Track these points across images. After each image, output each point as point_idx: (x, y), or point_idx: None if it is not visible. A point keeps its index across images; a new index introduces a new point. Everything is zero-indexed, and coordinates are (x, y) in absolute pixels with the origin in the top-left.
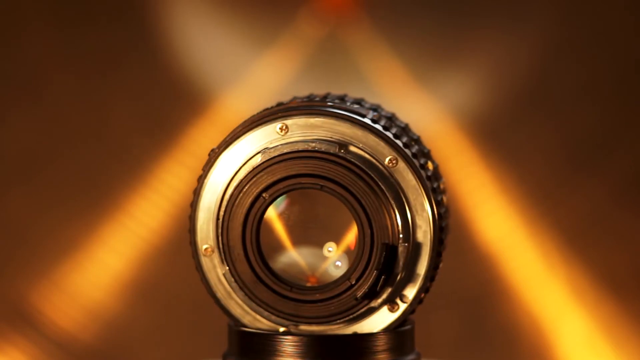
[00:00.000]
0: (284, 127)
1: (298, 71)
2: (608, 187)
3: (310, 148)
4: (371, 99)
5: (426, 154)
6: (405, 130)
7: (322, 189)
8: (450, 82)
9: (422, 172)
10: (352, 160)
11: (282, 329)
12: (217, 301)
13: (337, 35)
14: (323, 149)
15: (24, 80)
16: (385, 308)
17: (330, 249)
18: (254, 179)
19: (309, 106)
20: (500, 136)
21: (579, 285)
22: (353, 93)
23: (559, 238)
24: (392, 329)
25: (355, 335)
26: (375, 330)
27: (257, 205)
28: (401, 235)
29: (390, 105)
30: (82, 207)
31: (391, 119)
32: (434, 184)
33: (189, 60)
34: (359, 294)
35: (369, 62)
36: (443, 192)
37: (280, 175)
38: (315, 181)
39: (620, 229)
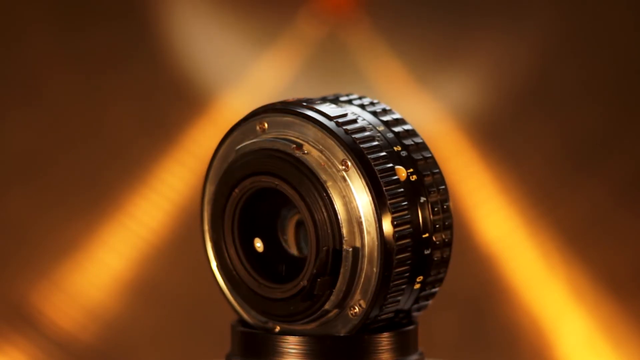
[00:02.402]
0: (262, 126)
1: (298, 71)
2: (608, 187)
3: (270, 147)
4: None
5: (415, 162)
6: (399, 135)
7: (277, 187)
8: (451, 82)
9: (376, 178)
10: (302, 161)
11: (275, 327)
12: (221, 292)
13: (337, 35)
14: (280, 149)
15: (24, 81)
16: (347, 312)
17: (258, 244)
18: (229, 175)
19: (285, 105)
20: (500, 136)
21: (579, 285)
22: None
23: (559, 238)
24: (356, 333)
25: (359, 335)
26: (341, 334)
27: (231, 200)
28: (345, 240)
29: (390, 105)
30: (82, 207)
31: (387, 123)
32: (396, 190)
33: (189, 61)
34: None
35: (369, 62)
36: (425, 202)
37: (246, 172)
38: (272, 179)
39: (620, 229)
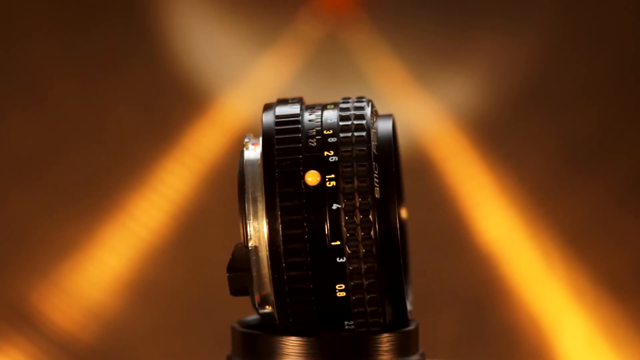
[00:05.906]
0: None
1: (298, 71)
2: (608, 187)
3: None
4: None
5: (340, 169)
6: (342, 141)
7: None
8: (450, 82)
9: (273, 179)
10: (243, 156)
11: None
12: None
13: (337, 35)
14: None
15: (26, 83)
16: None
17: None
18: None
19: (270, 103)
20: (500, 136)
21: (579, 285)
22: (353, 93)
23: (559, 238)
24: (274, 332)
25: (360, 335)
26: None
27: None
28: (250, 238)
29: (390, 105)
30: (82, 207)
31: (342, 128)
32: (295, 193)
33: (190, 61)
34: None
35: (369, 62)
36: (339, 208)
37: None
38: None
39: (620, 229)
